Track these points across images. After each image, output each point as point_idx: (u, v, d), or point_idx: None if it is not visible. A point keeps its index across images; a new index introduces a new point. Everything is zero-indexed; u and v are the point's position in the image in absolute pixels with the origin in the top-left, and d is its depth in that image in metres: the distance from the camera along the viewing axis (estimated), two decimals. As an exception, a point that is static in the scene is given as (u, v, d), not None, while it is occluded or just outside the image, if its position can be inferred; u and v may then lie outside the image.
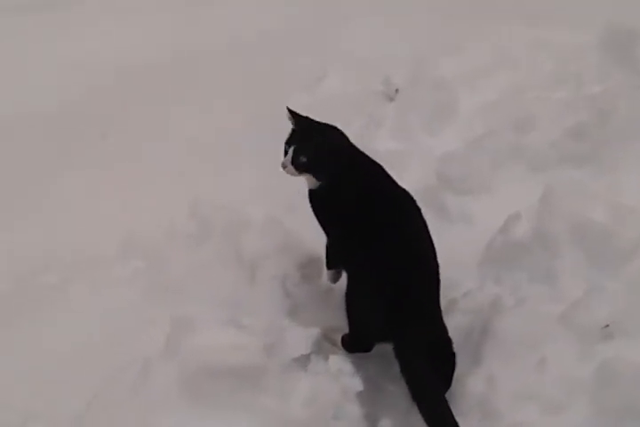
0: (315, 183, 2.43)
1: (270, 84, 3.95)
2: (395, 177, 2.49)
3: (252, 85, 4.14)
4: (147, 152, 3.77)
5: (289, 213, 2.81)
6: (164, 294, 2.61)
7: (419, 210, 2.39)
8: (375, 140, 3.31)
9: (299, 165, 2.39)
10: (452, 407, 2.17)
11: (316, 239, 2.52)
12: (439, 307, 2.33)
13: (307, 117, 2.45)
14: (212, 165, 3.50)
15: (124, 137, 3.97)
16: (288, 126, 2.52)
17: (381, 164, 2.46)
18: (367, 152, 2.51)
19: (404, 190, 2.41)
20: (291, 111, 2.44)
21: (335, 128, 2.46)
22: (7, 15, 5.54)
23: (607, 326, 2.27)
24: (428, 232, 2.37)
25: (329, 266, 2.53)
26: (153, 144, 3.83)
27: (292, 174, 2.43)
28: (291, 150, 2.40)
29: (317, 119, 2.47)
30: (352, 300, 2.39)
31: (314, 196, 2.45)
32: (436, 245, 2.41)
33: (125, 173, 3.56)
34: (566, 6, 4.40)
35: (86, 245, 2.98)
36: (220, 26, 5.12)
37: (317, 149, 2.38)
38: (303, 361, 2.31)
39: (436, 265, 2.34)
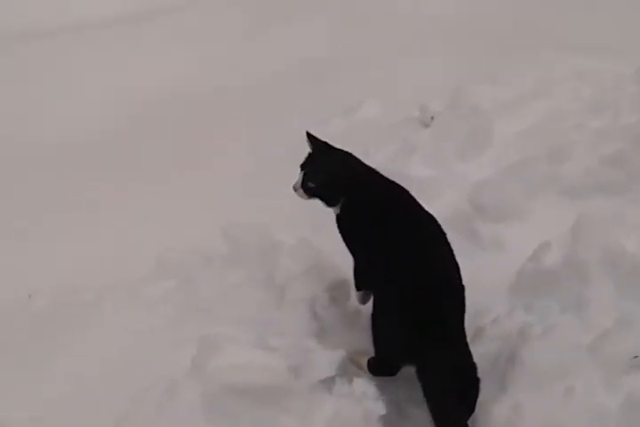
0: (334, 209, 2.46)
1: (310, 110, 4.01)
2: (427, 203, 2.50)
3: (293, 112, 4.21)
4: (185, 177, 3.85)
5: (318, 235, 2.82)
6: (193, 314, 2.64)
7: (443, 233, 2.39)
8: (409, 166, 3.32)
9: (307, 190, 2.43)
10: (476, 433, 2.16)
11: (344, 262, 2.53)
12: (464, 331, 2.32)
13: (324, 143, 2.47)
14: (241, 191, 3.56)
15: (161, 162, 4.05)
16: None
17: (408, 189, 2.46)
18: (400, 178, 2.52)
19: (428, 214, 2.42)
20: (309, 136, 2.47)
21: (349, 155, 2.47)
22: (53, 38, 5.73)
23: (636, 357, 2.25)
24: (452, 255, 2.37)
25: (357, 287, 2.53)
26: (192, 170, 3.91)
27: (302, 197, 2.47)
28: (301, 175, 2.45)
29: (336, 145, 2.49)
30: (377, 322, 2.40)
31: (338, 219, 2.47)
32: (467, 271, 2.41)
33: (161, 197, 3.63)
34: (606, 36, 4.42)
35: (121, 265, 3.05)
36: (266, 55, 5.23)
37: (325, 177, 2.42)
38: (328, 383, 2.33)
39: (462, 289, 2.34)
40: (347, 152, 2.47)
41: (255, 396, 2.17)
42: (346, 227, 2.46)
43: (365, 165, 2.48)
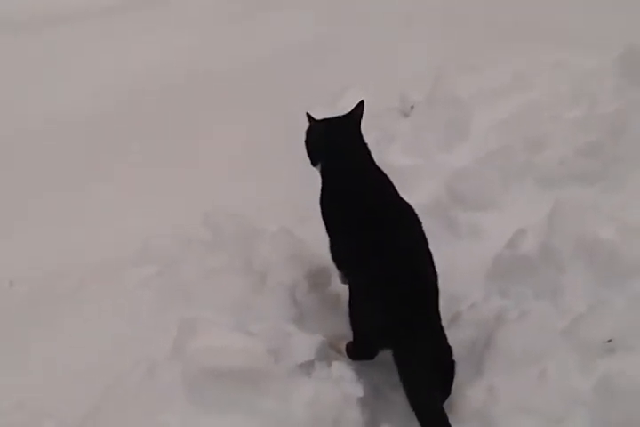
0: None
1: (291, 99, 4.02)
2: (406, 191, 2.55)
3: (274, 100, 4.23)
4: (169, 163, 3.86)
5: (300, 223, 2.87)
6: (174, 299, 2.66)
7: (418, 222, 2.44)
8: (388, 155, 3.35)
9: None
10: (451, 416, 2.19)
11: (325, 251, 2.55)
12: (438, 315, 2.35)
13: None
14: (227, 176, 3.59)
15: (146, 147, 4.06)
16: (303, 139, 2.63)
17: (390, 177, 2.51)
18: (380, 166, 2.56)
19: (404, 201, 2.47)
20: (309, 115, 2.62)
21: (343, 127, 2.59)
22: (57, 24, 5.73)
23: (610, 340, 2.30)
24: (426, 243, 2.41)
25: (338, 267, 2.56)
26: (176, 156, 3.92)
27: None
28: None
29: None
30: (353, 307, 2.43)
31: (321, 197, 2.53)
32: (445, 258, 2.46)
33: (143, 182, 3.64)
34: (584, 28, 4.45)
35: (103, 250, 3.05)
36: (251, 41, 5.25)
37: (311, 133, 2.59)
38: (307, 367, 2.36)
39: (435, 275, 2.37)
40: (344, 123, 2.58)
41: (234, 379, 2.18)
42: (322, 199, 2.52)
43: (353, 141, 2.56)
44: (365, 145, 2.58)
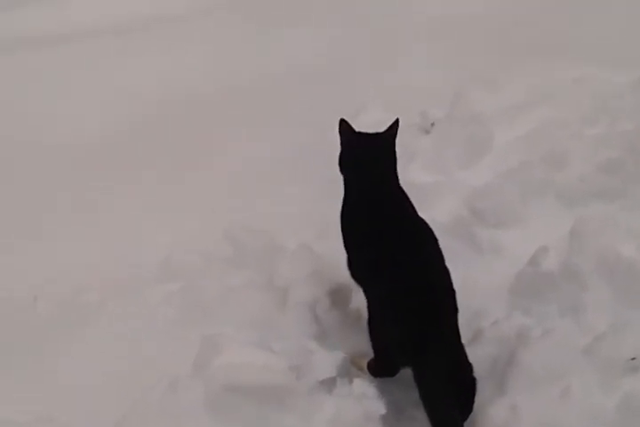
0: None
1: (309, 115, 4.05)
2: (427, 209, 2.58)
3: (292, 117, 4.25)
4: (187, 179, 3.87)
5: (320, 240, 2.86)
6: (196, 315, 2.67)
7: (435, 239, 2.43)
8: (409, 172, 3.33)
9: None
10: (473, 435, 2.20)
11: (345, 267, 2.55)
12: (458, 332, 2.34)
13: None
14: (247, 192, 3.59)
15: (166, 164, 4.08)
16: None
17: (410, 194, 2.52)
18: (401, 183, 2.57)
19: (421, 219, 2.47)
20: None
21: (370, 140, 2.55)
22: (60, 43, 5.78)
23: (633, 358, 2.30)
24: (442, 259, 2.41)
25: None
26: (194, 172, 3.93)
27: None
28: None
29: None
30: (371, 323, 2.43)
31: (342, 209, 2.53)
32: (466, 276, 2.48)
33: (166, 199, 3.65)
34: (606, 44, 4.45)
35: (124, 266, 3.07)
36: (266, 59, 5.27)
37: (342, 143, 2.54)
38: (329, 384, 2.35)
39: (452, 291, 2.37)
40: (371, 137, 2.55)
41: (256, 395, 2.20)
42: (342, 213, 2.53)
43: (387, 161, 2.53)
44: (394, 165, 2.55)
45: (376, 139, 2.54)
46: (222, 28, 6.06)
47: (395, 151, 2.55)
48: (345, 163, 2.55)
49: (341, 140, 2.56)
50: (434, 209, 2.90)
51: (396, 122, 2.54)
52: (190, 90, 4.92)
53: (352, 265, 2.51)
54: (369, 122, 3.23)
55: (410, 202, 2.51)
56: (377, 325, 2.41)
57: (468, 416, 2.30)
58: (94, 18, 6.56)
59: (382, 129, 2.55)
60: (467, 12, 5.39)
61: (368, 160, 2.51)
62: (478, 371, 2.37)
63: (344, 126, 2.55)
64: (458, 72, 4.37)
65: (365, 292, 2.48)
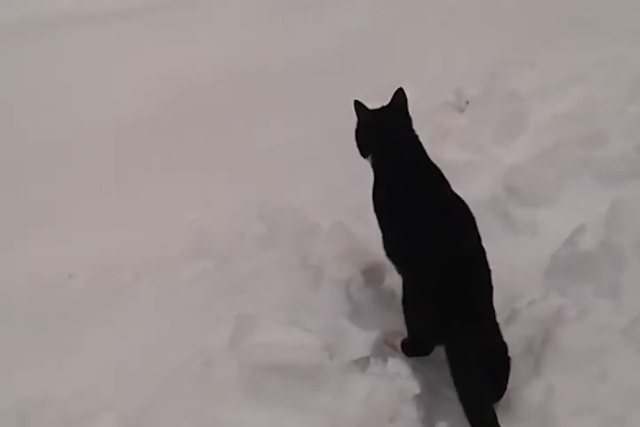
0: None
1: (343, 94, 4.02)
2: (462, 187, 2.53)
3: (328, 97, 4.21)
4: (222, 158, 3.88)
5: (355, 219, 2.84)
6: (230, 293, 2.68)
7: (472, 217, 2.41)
8: (443, 150, 3.31)
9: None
10: (509, 414, 2.18)
11: (379, 245, 2.53)
12: (493, 311, 2.32)
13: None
14: (283, 172, 3.59)
15: (201, 144, 4.10)
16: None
17: (445, 172, 2.49)
18: (435, 161, 2.53)
19: (457, 196, 2.45)
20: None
21: (404, 122, 2.56)
22: (92, 24, 5.80)
23: (671, 339, 2.25)
24: (479, 238, 2.39)
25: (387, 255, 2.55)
26: (229, 151, 3.94)
27: None
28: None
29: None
30: (406, 303, 2.42)
31: (373, 190, 2.52)
32: (502, 255, 2.43)
33: (200, 178, 3.67)
34: (645, 24, 4.36)
35: (159, 244, 3.10)
36: (297, 40, 5.25)
37: (362, 124, 2.57)
38: (362, 363, 2.35)
39: (488, 271, 2.34)
40: (404, 118, 2.55)
41: (290, 374, 2.19)
42: (375, 192, 2.52)
43: (406, 134, 2.53)
44: (416, 136, 2.55)
45: (388, 111, 2.55)
46: (248, 10, 6.04)
47: (410, 122, 2.56)
48: (365, 141, 2.56)
49: (358, 120, 2.58)
50: (469, 187, 2.85)
51: (400, 90, 2.54)
52: (205, 79, 4.92)
53: (387, 244, 2.48)
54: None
55: (444, 178, 2.48)
56: (411, 303, 2.40)
57: (502, 395, 2.29)
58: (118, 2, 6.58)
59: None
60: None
61: (386, 135, 2.52)
62: (514, 351, 2.35)
63: (359, 107, 2.57)
64: (493, 51, 4.32)
65: (400, 271, 2.47)
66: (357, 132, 2.61)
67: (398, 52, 4.66)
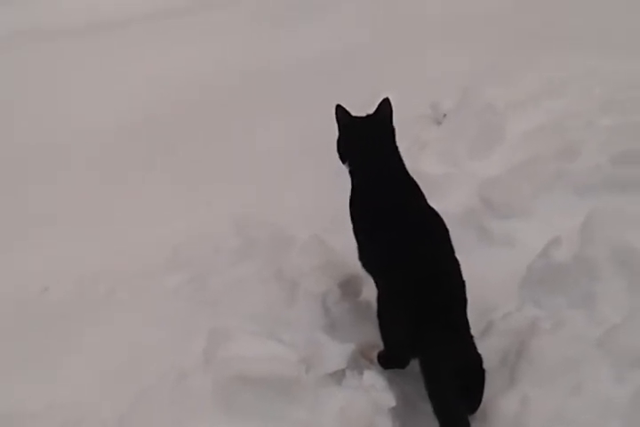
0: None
1: (322, 107, 4.05)
2: (438, 199, 2.55)
3: (305, 109, 4.23)
4: (198, 171, 3.88)
5: (331, 231, 2.85)
6: (205, 306, 2.67)
7: (446, 230, 2.41)
8: (420, 163, 3.33)
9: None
10: (484, 426, 2.18)
11: (356, 259, 2.54)
12: (467, 324, 2.32)
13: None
14: (258, 183, 3.60)
15: (178, 155, 4.10)
16: (335, 148, 2.62)
17: (421, 185, 2.50)
18: (412, 174, 2.54)
19: (431, 209, 2.45)
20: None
21: (384, 130, 2.55)
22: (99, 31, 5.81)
23: (646, 351, 2.27)
24: (452, 250, 2.39)
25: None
26: (205, 164, 3.94)
27: None
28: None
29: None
30: (381, 315, 2.41)
31: (350, 198, 2.52)
32: (478, 267, 2.44)
33: (174, 190, 3.67)
34: (618, 34, 4.42)
35: (133, 258, 3.09)
36: (284, 49, 5.28)
37: (341, 129, 2.55)
38: (338, 376, 2.35)
39: (462, 283, 2.35)
40: (389, 129, 2.55)
41: (265, 387, 2.19)
42: (351, 202, 2.51)
43: (388, 145, 2.54)
44: (397, 148, 2.56)
45: (372, 120, 2.55)
46: (235, 23, 6.07)
47: (392, 132, 2.55)
48: (345, 148, 2.56)
49: (339, 125, 2.56)
50: (445, 200, 2.88)
51: (385, 100, 2.53)
52: (206, 81, 4.95)
53: (362, 255, 2.49)
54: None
55: (420, 190, 2.49)
56: (387, 316, 2.40)
57: (477, 408, 2.29)
58: (114, 9, 6.62)
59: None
60: (479, 11, 5.37)
61: (368, 142, 2.52)
62: (489, 363, 2.36)
63: (340, 112, 2.55)
64: (470, 64, 4.36)
65: (376, 282, 2.47)
66: (340, 136, 2.59)
67: (375, 67, 4.69)
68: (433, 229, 2.40)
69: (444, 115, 3.84)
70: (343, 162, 2.57)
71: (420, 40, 5.01)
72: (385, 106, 2.54)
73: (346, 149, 2.56)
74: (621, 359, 2.27)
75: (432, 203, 2.48)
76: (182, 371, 2.30)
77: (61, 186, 3.94)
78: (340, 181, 2.61)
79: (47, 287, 3.06)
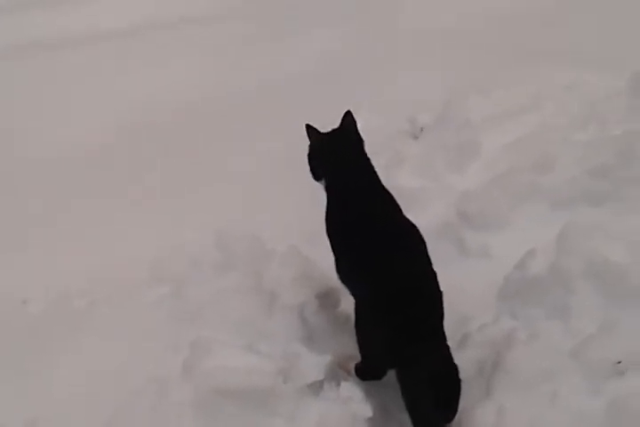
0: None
1: (298, 122, 4.09)
2: (416, 212, 2.59)
3: (280, 123, 4.26)
4: (178, 186, 3.90)
5: (309, 245, 2.86)
6: (185, 319, 2.66)
7: (423, 241, 2.42)
8: (398, 177, 3.37)
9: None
10: (460, 438, 2.20)
11: (334, 270, 2.55)
12: (443, 334, 2.34)
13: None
14: (238, 197, 3.63)
15: (158, 170, 4.11)
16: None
17: (397, 198, 2.52)
18: (389, 188, 2.55)
19: (408, 221, 2.46)
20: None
21: (356, 144, 2.56)
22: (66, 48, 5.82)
23: (620, 362, 2.29)
24: (429, 262, 2.40)
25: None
26: (186, 180, 3.96)
27: None
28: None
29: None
30: (358, 326, 2.43)
31: (326, 212, 2.53)
32: (454, 279, 2.45)
33: (155, 203, 3.68)
34: (596, 50, 4.48)
35: (114, 270, 3.09)
36: (262, 67, 5.31)
37: (314, 146, 2.57)
38: (316, 387, 2.36)
39: (439, 294, 2.36)
40: (356, 140, 2.56)
41: (244, 399, 2.20)
42: (327, 216, 2.52)
43: (363, 160, 2.55)
44: (368, 159, 2.57)
45: (338, 134, 2.57)
46: (218, 36, 6.11)
47: (361, 144, 2.57)
48: (316, 164, 2.58)
49: (310, 143, 2.61)
50: (422, 213, 2.91)
51: (347, 113, 2.56)
52: (187, 98, 4.96)
53: (339, 268, 2.50)
54: (361, 127, 3.23)
55: (395, 202, 2.50)
56: (364, 327, 2.41)
57: (453, 417, 2.31)
58: (113, 20, 6.64)
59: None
60: (454, 26, 5.43)
61: (337, 155, 2.54)
62: (465, 374, 2.37)
63: (310, 131, 2.59)
64: (447, 79, 4.41)
65: (353, 294, 2.48)
66: (309, 155, 2.62)
67: (353, 82, 4.73)
68: (409, 241, 2.41)
69: (422, 129, 3.88)
70: (317, 179, 2.58)
71: (396, 55, 5.08)
72: (348, 118, 2.56)
73: (317, 165, 2.58)
74: (596, 371, 2.29)
75: (409, 216, 2.50)
76: (163, 383, 2.31)
77: (40, 201, 3.93)
78: (318, 194, 2.62)
79: (25, 300, 3.06)
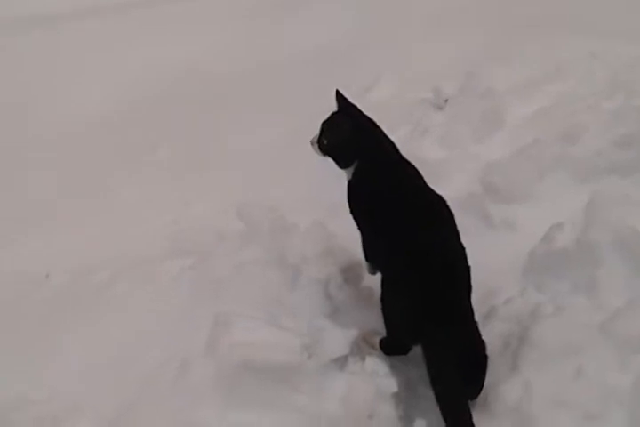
0: (346, 173, 2.45)
1: (320, 94, 4.05)
2: (439, 184, 2.51)
3: (305, 96, 4.21)
4: (200, 158, 3.88)
5: (333, 218, 2.83)
6: (208, 292, 2.66)
7: (451, 215, 2.38)
8: (422, 148, 3.33)
9: (321, 146, 2.45)
10: (486, 411, 2.19)
11: (358, 244, 2.52)
12: (471, 310, 2.32)
13: (352, 105, 2.43)
14: (263, 172, 3.60)
15: (181, 143, 4.10)
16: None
17: (421, 170, 2.46)
18: (413, 159, 2.49)
19: (437, 195, 2.41)
20: (339, 94, 2.43)
21: (372, 122, 2.43)
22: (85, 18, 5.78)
23: (648, 336, 2.26)
24: (458, 237, 2.37)
25: (366, 258, 2.52)
26: (208, 151, 3.94)
27: (317, 153, 2.48)
28: (319, 130, 2.46)
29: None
30: (385, 302, 2.41)
31: (349, 189, 2.46)
32: (480, 252, 2.41)
33: (180, 176, 3.67)
34: (621, 18, 4.40)
35: (136, 244, 3.09)
36: (282, 39, 5.26)
37: (339, 136, 2.40)
38: (340, 362, 2.35)
39: (467, 269, 2.33)
40: (370, 119, 2.44)
41: (268, 374, 2.19)
42: (355, 196, 2.45)
43: (385, 136, 2.45)
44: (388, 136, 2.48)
45: (348, 114, 2.43)
46: (235, 10, 6.04)
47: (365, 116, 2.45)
48: (347, 152, 2.44)
49: (336, 135, 2.45)
50: (447, 185, 2.85)
51: (337, 92, 2.43)
52: (204, 69, 4.93)
53: (367, 245, 2.46)
54: (382, 98, 3.22)
55: (420, 175, 2.44)
56: (390, 302, 2.39)
57: (479, 393, 2.30)
58: None
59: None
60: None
61: (366, 139, 2.42)
62: (491, 348, 2.36)
63: (340, 99, 2.44)
64: (471, 49, 4.34)
65: (380, 270, 2.46)
66: (339, 146, 2.44)
67: (376, 53, 4.67)
68: (438, 215, 2.37)
69: (446, 100, 3.82)
70: (347, 166, 2.44)
71: (419, 26, 5.01)
72: (341, 98, 2.43)
73: (348, 152, 2.42)
74: (624, 345, 2.27)
75: (434, 187, 2.45)
76: (186, 358, 2.30)
77: (61, 174, 3.94)
78: (336, 171, 2.57)
79: (48, 274, 3.06)
